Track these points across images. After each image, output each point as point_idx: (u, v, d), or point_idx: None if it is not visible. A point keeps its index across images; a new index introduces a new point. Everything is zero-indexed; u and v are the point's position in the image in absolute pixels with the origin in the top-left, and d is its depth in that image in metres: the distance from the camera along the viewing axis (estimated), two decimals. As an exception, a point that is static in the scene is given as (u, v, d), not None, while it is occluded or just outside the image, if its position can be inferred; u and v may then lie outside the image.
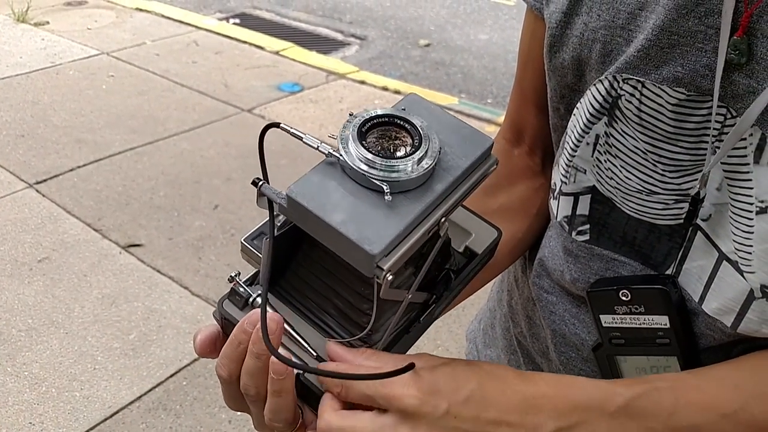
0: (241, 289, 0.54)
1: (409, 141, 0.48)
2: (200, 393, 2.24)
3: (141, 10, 5.72)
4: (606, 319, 0.64)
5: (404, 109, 0.49)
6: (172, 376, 2.29)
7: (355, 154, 0.46)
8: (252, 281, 0.56)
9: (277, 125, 0.50)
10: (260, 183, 0.49)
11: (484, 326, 0.91)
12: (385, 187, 0.45)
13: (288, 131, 0.49)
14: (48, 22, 5.33)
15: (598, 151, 0.62)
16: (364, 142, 0.47)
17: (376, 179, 0.45)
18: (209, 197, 3.23)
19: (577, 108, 0.63)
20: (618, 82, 0.58)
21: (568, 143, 0.65)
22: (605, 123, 0.60)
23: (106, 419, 2.14)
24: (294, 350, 0.54)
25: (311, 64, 4.75)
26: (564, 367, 0.71)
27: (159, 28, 5.35)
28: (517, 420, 0.49)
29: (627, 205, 0.62)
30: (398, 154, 0.47)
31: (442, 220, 0.48)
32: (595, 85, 0.60)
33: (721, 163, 0.55)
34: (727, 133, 0.54)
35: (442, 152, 0.49)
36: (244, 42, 5.12)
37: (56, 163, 3.47)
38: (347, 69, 4.75)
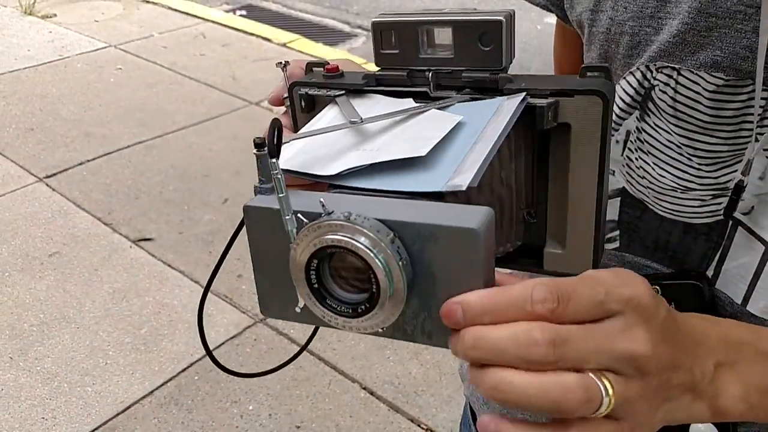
0: (310, 94, 0.52)
1: (359, 298, 0.39)
2: (212, 388, 2.24)
3: (148, 2, 5.70)
4: None
5: (404, 264, 0.38)
6: (183, 370, 2.30)
7: (296, 260, 0.40)
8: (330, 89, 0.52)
9: (271, 154, 0.41)
10: (262, 152, 0.43)
11: None
12: (299, 304, 0.42)
13: (275, 174, 0.40)
14: (55, 15, 5.32)
15: (629, 149, 0.60)
16: (315, 263, 0.39)
17: (299, 295, 0.41)
18: (218, 191, 3.23)
19: None
20: (651, 72, 0.56)
21: None
22: (637, 117, 0.58)
23: (118, 414, 2.14)
24: None
25: (318, 56, 4.74)
26: None
27: (166, 20, 5.34)
28: (690, 359, 0.43)
29: (660, 205, 0.60)
30: (330, 301, 0.40)
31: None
32: (625, 77, 0.58)
33: (764, 149, 0.53)
34: None
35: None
36: (252, 34, 5.10)
37: (65, 156, 3.48)
38: (354, 61, 4.73)
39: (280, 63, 0.50)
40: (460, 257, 0.37)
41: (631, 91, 0.58)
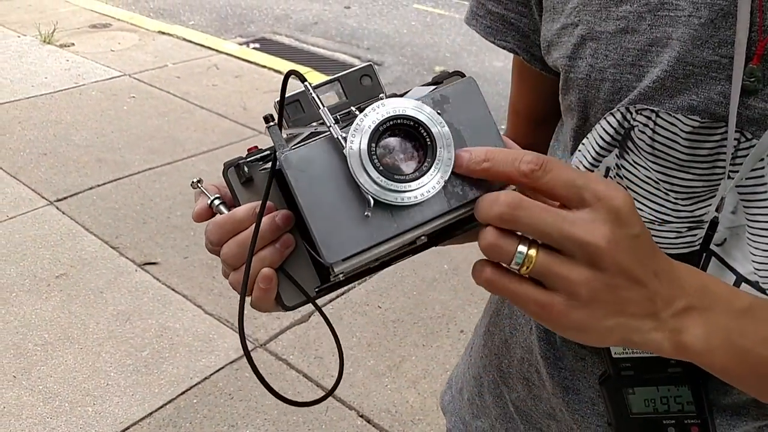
0: (246, 168, 0.55)
1: (420, 159, 0.47)
2: (210, 411, 2.26)
3: (163, 33, 5.84)
4: (616, 350, 0.64)
5: (440, 113, 0.48)
6: (183, 393, 2.32)
7: (359, 154, 0.46)
8: (263, 158, 0.56)
9: (302, 79, 0.50)
10: (271, 123, 0.50)
11: (469, 396, 0.88)
12: (370, 201, 0.46)
13: (310, 94, 0.49)
14: (73, 44, 5.45)
15: None
16: (373, 146, 0.46)
17: (366, 192, 0.46)
18: (225, 218, 3.27)
19: (583, 144, 0.64)
20: (631, 114, 0.59)
21: None
22: (616, 155, 0.62)
23: (117, 435, 2.17)
24: None
25: (328, 89, 4.82)
26: (578, 426, 0.71)
27: (180, 51, 5.46)
28: (656, 285, 0.46)
29: None
30: (398, 176, 0.46)
31: (420, 237, 0.48)
32: (605, 118, 0.61)
33: (736, 186, 0.57)
34: (742, 157, 0.56)
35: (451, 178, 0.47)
36: (264, 66, 5.21)
37: (77, 181, 3.54)
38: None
39: (194, 182, 0.58)
40: (469, 104, 0.49)
41: (611, 131, 0.61)
